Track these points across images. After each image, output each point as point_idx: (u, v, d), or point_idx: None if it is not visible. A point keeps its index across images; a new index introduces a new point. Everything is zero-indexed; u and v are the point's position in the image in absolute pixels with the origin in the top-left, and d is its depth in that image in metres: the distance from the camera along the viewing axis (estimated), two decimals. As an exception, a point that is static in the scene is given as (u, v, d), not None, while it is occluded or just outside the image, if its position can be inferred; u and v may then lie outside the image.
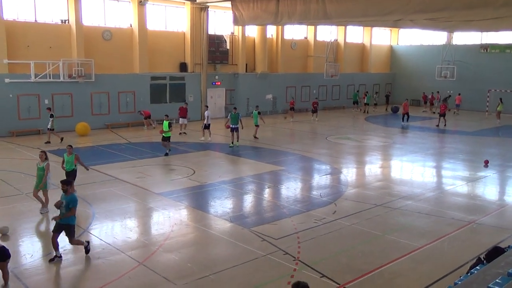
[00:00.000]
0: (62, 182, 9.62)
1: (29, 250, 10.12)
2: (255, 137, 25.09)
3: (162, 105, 30.51)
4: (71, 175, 13.45)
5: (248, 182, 16.11)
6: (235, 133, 22.34)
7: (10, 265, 9.20)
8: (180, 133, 26.34)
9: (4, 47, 24.21)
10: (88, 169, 14.48)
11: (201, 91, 32.53)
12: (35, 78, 24.92)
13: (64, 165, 13.60)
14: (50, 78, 25.39)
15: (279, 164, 18.89)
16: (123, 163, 18.65)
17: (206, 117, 24.64)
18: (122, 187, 15.14)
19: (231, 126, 22.39)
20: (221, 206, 13.37)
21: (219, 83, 34.00)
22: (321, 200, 14.05)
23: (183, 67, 31.94)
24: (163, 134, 20.15)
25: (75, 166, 13.70)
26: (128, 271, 9.05)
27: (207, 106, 26.77)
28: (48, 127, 22.91)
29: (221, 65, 33.87)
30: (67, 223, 9.38)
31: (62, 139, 22.79)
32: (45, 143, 22.45)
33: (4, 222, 11.91)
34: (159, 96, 30.65)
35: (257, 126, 25.37)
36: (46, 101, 25.82)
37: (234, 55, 34.53)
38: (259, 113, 25.52)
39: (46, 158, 12.58)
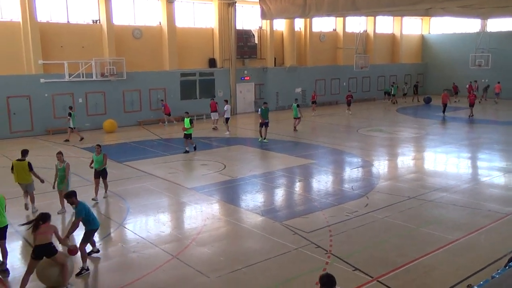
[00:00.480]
0: (65, 196, 9.36)
1: (56, 243, 10.38)
2: (295, 129, 25.16)
3: (192, 101, 30.78)
4: (101, 174, 13.48)
5: (279, 176, 16.10)
6: (264, 128, 22.23)
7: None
8: (214, 128, 26.46)
9: (39, 48, 24.91)
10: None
11: (230, 86, 32.66)
12: (69, 77, 25.54)
13: (93, 165, 13.54)
14: (83, 77, 25.99)
15: (309, 158, 18.80)
16: (155, 158, 18.94)
17: (225, 111, 25.22)
18: (155, 182, 15.39)
19: (265, 120, 22.15)
20: (252, 200, 13.42)
21: (248, 77, 34.05)
22: (352, 193, 13.92)
23: (212, 63, 32.12)
24: (185, 132, 19.97)
25: (105, 165, 13.50)
26: (162, 264, 9.21)
27: (227, 101, 27.06)
28: (70, 126, 23.32)
29: (249, 60, 33.90)
30: (87, 230, 9.20)
31: (82, 138, 23.28)
32: (65, 140, 23.06)
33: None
34: (189, 92, 30.95)
35: (296, 118, 25.39)
36: (80, 100, 26.46)
37: (262, 49, 34.49)
38: (298, 105, 25.51)
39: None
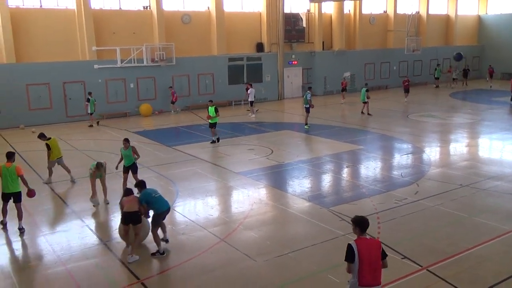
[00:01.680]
0: (135, 185, 9.63)
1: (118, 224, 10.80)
2: (368, 113, 25.12)
3: (240, 86, 30.90)
4: (131, 168, 12.74)
5: (326, 162, 15.99)
6: (307, 114, 21.87)
7: (103, 239, 9.93)
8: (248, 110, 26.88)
9: (92, 35, 25.68)
10: (139, 156, 13.14)
11: (278, 71, 32.53)
12: (121, 63, 26.25)
13: (123, 162, 12.82)
14: (134, 62, 26.62)
15: (357, 143, 18.53)
16: (203, 143, 19.24)
17: (249, 94, 25.56)
18: (203, 166, 15.66)
19: (307, 106, 21.79)
20: (299, 185, 13.42)
21: (295, 62, 33.78)
22: (402, 180, 13.64)
23: (259, 47, 32.06)
24: (210, 121, 19.01)
25: (134, 159, 12.80)
26: (211, 247, 9.40)
27: (251, 84, 26.95)
28: (89, 111, 23.80)
29: (297, 44, 33.59)
30: (153, 214, 9.44)
31: (98, 122, 24.15)
32: (89, 126, 23.73)
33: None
34: (236, 77, 31.07)
35: (364, 103, 25.22)
36: (132, 85, 27.17)
37: (310, 33, 34.06)
38: (367, 90, 25.32)
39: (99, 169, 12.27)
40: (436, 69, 38.23)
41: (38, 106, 24.65)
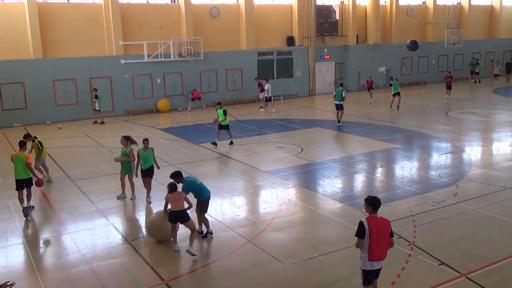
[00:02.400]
0: (171, 176, 9.67)
1: (143, 224, 10.96)
2: (396, 107, 25.34)
3: (270, 81, 30.80)
4: (148, 173, 12.22)
5: (359, 161, 15.81)
6: (339, 111, 21.59)
7: (128, 239, 10.09)
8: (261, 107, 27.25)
9: (119, 29, 26.11)
10: (159, 168, 12.70)
11: (309, 66, 32.35)
12: (147, 58, 26.60)
13: (141, 164, 12.19)
14: (161, 57, 26.94)
15: (393, 142, 18.26)
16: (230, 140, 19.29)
17: (266, 90, 25.84)
18: (230, 164, 15.73)
19: (335, 102, 21.60)
20: (331, 185, 13.31)
21: (328, 56, 33.53)
22: (440, 181, 13.37)
23: (290, 41, 31.95)
24: (221, 123, 18.28)
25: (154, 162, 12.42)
26: (238, 248, 9.43)
27: (267, 80, 27.16)
28: (96, 108, 24.07)
29: (330, 37, 33.33)
30: (198, 201, 9.99)
31: (103, 123, 24.13)
32: (100, 123, 24.01)
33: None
34: (266, 72, 31.05)
35: (396, 95, 25.34)
36: (158, 80, 27.51)
37: (344, 26, 33.74)
38: (397, 79, 25.56)
39: (131, 142, 12.43)
40: (471, 63, 37.20)
41: (65, 102, 25.25)
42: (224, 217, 11.16)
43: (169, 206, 9.21)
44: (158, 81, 27.60)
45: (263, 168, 15.12)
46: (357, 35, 34.35)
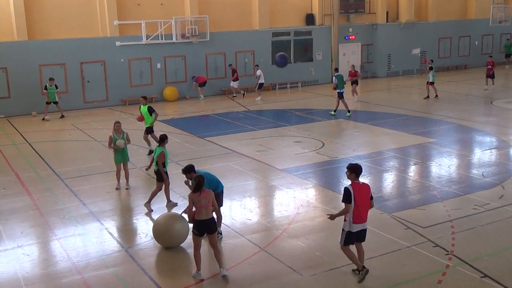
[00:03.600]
0: (183, 171, 9.90)
1: (143, 228, 11.07)
2: (435, 96, 25.45)
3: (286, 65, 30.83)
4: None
5: (389, 157, 15.76)
6: (341, 100, 21.78)
7: (124, 245, 10.20)
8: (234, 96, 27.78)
9: (114, 7, 26.22)
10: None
11: (332, 48, 32.22)
12: (146, 39, 26.69)
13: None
14: (162, 39, 27.02)
15: (428, 136, 18.18)
16: (241, 134, 19.34)
17: (257, 76, 26.63)
18: (240, 161, 15.76)
19: (339, 91, 21.84)
20: (356, 185, 13.28)
21: (353, 37, 33.37)
22: (483, 181, 13.28)
23: (309, 19, 31.84)
24: (145, 124, 16.74)
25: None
26: (249, 257, 9.46)
27: (258, 66, 27.75)
28: (57, 100, 23.69)
29: (356, 15, 33.15)
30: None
31: (62, 116, 23.92)
32: (60, 117, 23.80)
33: (116, 198, 13.15)
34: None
35: (431, 83, 25.37)
36: (159, 65, 27.62)
37: (372, 1, 33.53)
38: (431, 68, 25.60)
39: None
40: (506, 45, 36.64)
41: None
42: (233, 221, 11.20)
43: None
44: (158, 66, 27.69)
45: (279, 165, 15.13)
46: (387, 12, 34.12)
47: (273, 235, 10.38)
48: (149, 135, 16.79)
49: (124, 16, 26.79)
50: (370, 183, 13.47)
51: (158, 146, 12.01)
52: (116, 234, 10.92)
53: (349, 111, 21.81)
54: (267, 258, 9.42)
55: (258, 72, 27.16)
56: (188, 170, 9.78)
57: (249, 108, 24.80)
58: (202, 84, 27.62)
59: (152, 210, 11.91)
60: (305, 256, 9.43)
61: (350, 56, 33.53)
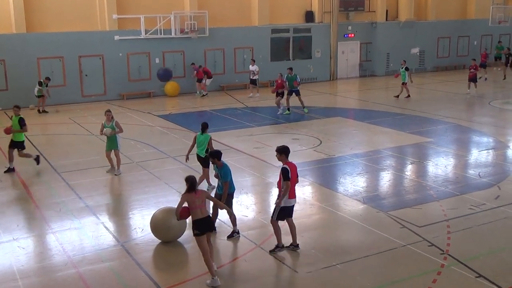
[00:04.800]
0: (210, 155, 10.25)
1: (139, 223, 11.06)
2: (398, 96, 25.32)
3: (284, 62, 30.83)
4: (205, 161, 12.71)
5: (386, 156, 15.79)
6: (298, 96, 22.14)
7: (120, 240, 10.21)
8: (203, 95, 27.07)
9: (113, 1, 26.12)
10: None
11: (331, 45, 32.21)
12: (145, 34, 26.64)
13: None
14: (161, 34, 26.97)
15: (425, 135, 18.19)
16: (239, 130, 19.35)
17: (251, 71, 26.18)
18: (237, 158, 15.76)
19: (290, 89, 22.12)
20: (353, 183, 13.32)
21: (352, 35, 33.36)
22: (479, 181, 13.31)
23: (309, 16, 31.82)
24: (12, 138, 14.68)
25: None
26: (244, 254, 9.49)
27: (254, 60, 27.30)
28: (43, 93, 23.37)
29: (355, 13, 33.13)
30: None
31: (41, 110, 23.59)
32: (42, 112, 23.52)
33: (113, 192, 13.16)
34: (281, 52, 31.00)
35: (404, 83, 25.30)
36: (157, 60, 27.57)
37: (371, 0, 33.49)
38: (407, 68, 25.45)
39: (113, 117, 14.18)
40: (497, 46, 36.32)
41: (51, 83, 25.32)
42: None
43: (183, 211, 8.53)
44: (157, 60, 27.65)
45: (275, 162, 15.02)
46: (386, 11, 34.10)
47: (269, 232, 10.36)
48: (17, 151, 14.68)
49: (123, 10, 26.72)
50: (366, 182, 13.67)
51: (203, 134, 12.49)
52: (112, 229, 10.91)
53: (289, 109, 22.17)
54: (262, 254, 9.44)
55: (253, 67, 26.59)
56: (216, 155, 10.01)
57: (248, 104, 24.78)
58: (200, 80, 27.53)
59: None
60: (301, 254, 9.44)
61: (349, 54, 33.52)
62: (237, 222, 10.85)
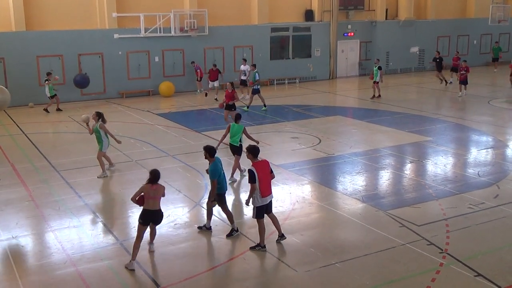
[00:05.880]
0: (204, 149, 10.14)
1: (136, 222, 11.01)
2: (379, 95, 25.25)
3: (284, 61, 30.84)
4: (238, 150, 13.39)
5: (386, 155, 15.78)
6: (258, 95, 22.46)
7: (119, 238, 10.21)
8: (216, 99, 25.59)
9: (113, -1, 26.16)
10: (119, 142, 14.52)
11: (330, 44, 32.20)
12: (144, 32, 26.62)
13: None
14: (160, 32, 26.95)
15: (425, 134, 18.19)
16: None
17: (242, 71, 25.66)
18: (237, 156, 15.74)
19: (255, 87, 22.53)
20: (352, 182, 13.32)
21: (352, 33, 33.34)
22: (479, 180, 13.31)
23: (309, 15, 31.80)
24: None
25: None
26: (243, 252, 9.48)
27: (245, 60, 26.80)
28: (48, 94, 23.09)
29: (355, 12, 33.11)
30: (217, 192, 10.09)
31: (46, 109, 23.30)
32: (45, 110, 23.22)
33: (112, 190, 13.16)
34: (280, 51, 30.98)
35: (375, 82, 25.11)
36: (156, 59, 27.55)
37: (371, -2, 33.54)
38: (379, 68, 25.27)
39: (103, 120, 14.02)
40: (494, 47, 36.17)
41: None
42: (229, 216, 11.21)
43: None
44: (156, 59, 27.63)
45: (275, 161, 15.10)
46: (386, 10, 34.09)
47: (269, 230, 10.36)
48: None
49: (122, 9, 26.70)
50: (366, 180, 13.65)
51: (237, 123, 13.26)
52: (111, 227, 10.91)
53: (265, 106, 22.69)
54: (261, 253, 9.43)
55: (243, 67, 25.88)
56: (209, 151, 9.99)
57: (247, 103, 24.75)
58: (200, 78, 27.47)
59: (236, 180, 13.38)
60: (299, 252, 9.45)
61: (348, 53, 33.51)
62: (237, 221, 10.86)
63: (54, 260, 9.33)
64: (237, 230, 10.17)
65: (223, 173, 10.20)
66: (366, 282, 8.35)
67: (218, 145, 12.91)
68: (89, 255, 9.48)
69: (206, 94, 26.69)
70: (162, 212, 9.29)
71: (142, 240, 9.11)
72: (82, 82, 25.24)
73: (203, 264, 9.11)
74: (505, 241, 9.78)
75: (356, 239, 10.01)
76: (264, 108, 22.71)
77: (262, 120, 20.96)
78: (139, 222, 9.09)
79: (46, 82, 23.09)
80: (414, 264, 8.89)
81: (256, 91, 22.66)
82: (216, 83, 26.43)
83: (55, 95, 23.31)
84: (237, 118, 13.43)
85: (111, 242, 10.09)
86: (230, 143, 13.37)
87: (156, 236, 9.64)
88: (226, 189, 10.37)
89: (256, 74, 22.73)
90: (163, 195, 9.23)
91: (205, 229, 10.34)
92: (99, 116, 13.97)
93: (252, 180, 9.07)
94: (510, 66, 27.07)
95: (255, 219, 9.42)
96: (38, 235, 10.54)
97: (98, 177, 13.80)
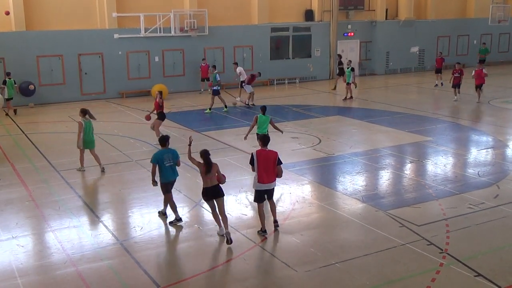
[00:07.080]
0: (159, 140, 11.19)
1: (138, 222, 11.07)
2: (351, 97, 25.23)
3: (284, 61, 30.84)
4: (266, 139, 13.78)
5: (386, 155, 15.78)
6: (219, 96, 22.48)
7: (119, 238, 10.21)
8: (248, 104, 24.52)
9: (113, -1, 26.16)
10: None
11: (330, 44, 32.21)
12: (144, 32, 26.62)
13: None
14: (160, 32, 26.95)
15: (425, 134, 18.19)
16: (238, 129, 19.29)
17: (238, 74, 25.17)
18: (236, 156, 15.75)
19: (214, 88, 22.44)
20: (352, 182, 13.32)
21: (352, 33, 33.34)
22: (479, 180, 13.31)
23: (309, 15, 31.80)
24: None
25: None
26: (243, 252, 9.48)
27: (237, 63, 26.16)
28: (6, 96, 22.03)
29: (355, 12, 33.12)
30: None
31: (15, 111, 22.61)
32: (6, 115, 22.43)
33: (112, 190, 13.15)
34: (280, 51, 30.99)
35: (348, 84, 25.03)
36: (156, 59, 27.56)
37: (371, -2, 33.55)
38: (353, 69, 25.26)
39: (90, 116, 14.49)
40: (481, 48, 35.78)
41: (50, 81, 25.40)
42: (229, 216, 11.11)
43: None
44: (156, 59, 27.63)
45: (275, 161, 15.13)
46: (386, 10, 34.09)
47: (268, 230, 10.39)
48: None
49: (122, 8, 26.71)
50: (366, 180, 13.65)
51: (264, 115, 14.43)
52: (111, 227, 10.91)
53: (225, 106, 22.84)
54: (261, 253, 9.45)
55: (238, 69, 25.23)
56: (161, 140, 11.07)
57: (247, 102, 24.74)
58: (204, 78, 27.51)
59: None
60: (299, 252, 9.45)
61: (349, 53, 33.47)
62: (237, 221, 10.89)
63: (54, 260, 9.33)
64: (179, 220, 10.72)
65: (173, 165, 10.89)
66: (366, 282, 8.35)
67: (247, 135, 14.57)
68: (89, 255, 9.49)
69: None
70: (220, 186, 9.98)
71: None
72: (26, 91, 24.38)
73: (203, 264, 9.11)
74: (505, 241, 9.78)
75: (356, 239, 10.01)
76: (225, 109, 22.69)
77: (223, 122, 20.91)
78: (204, 200, 10.14)
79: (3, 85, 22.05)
80: (414, 264, 8.89)
81: (216, 92, 22.31)
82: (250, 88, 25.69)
83: (12, 98, 22.32)
84: (264, 109, 14.60)
85: (111, 242, 10.09)
86: (257, 133, 14.04)
87: (156, 236, 9.65)
88: (172, 179, 10.89)
89: (217, 75, 22.41)
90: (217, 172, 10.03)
91: (176, 221, 10.76)
92: (84, 113, 14.29)
93: (250, 162, 10.03)
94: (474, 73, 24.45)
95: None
96: (38, 235, 10.54)
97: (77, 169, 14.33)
